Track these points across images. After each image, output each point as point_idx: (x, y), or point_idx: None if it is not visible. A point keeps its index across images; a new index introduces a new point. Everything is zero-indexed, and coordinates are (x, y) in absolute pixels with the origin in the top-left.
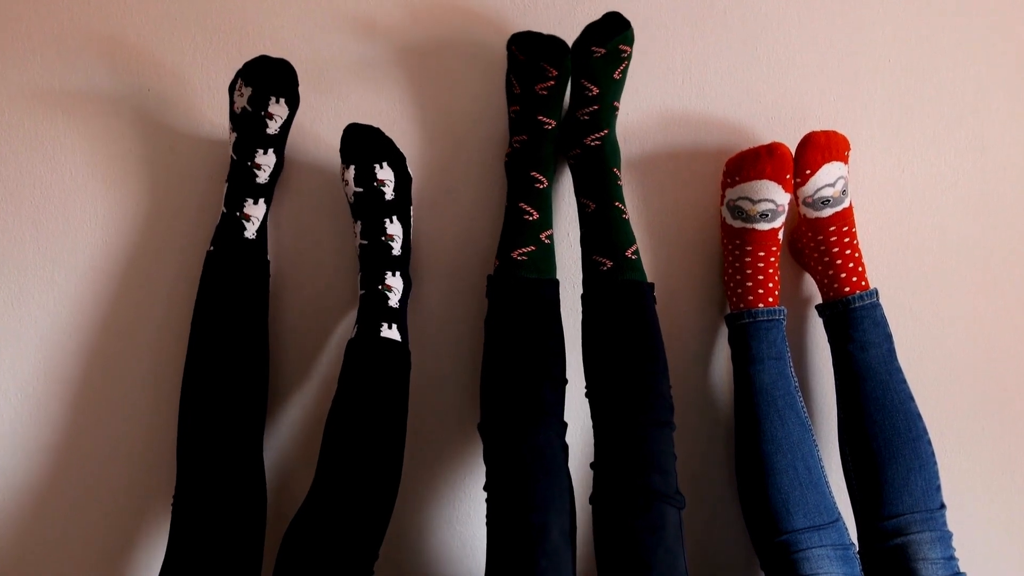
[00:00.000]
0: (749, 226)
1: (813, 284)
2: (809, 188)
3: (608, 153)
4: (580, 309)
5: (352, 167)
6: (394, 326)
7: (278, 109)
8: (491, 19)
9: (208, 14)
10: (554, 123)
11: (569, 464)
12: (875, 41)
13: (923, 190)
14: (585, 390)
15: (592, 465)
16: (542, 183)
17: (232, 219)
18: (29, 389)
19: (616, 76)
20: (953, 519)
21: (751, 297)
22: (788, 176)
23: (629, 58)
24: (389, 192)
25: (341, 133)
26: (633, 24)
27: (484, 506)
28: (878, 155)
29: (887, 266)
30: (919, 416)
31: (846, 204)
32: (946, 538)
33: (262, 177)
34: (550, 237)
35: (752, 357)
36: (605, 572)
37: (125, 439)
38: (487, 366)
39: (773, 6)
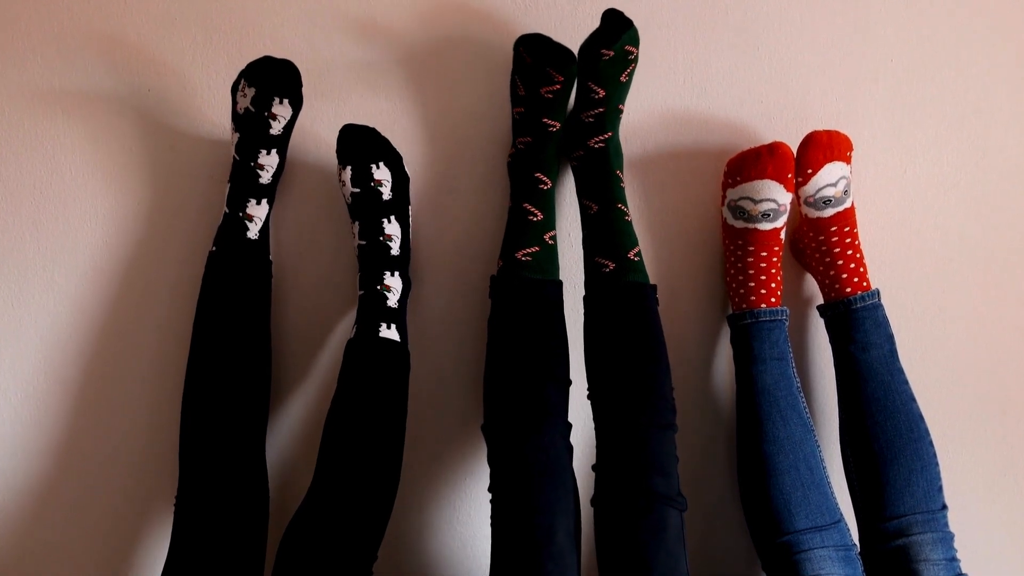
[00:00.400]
0: (751, 226)
1: (814, 284)
2: (811, 187)
3: (611, 155)
4: (582, 310)
5: (348, 168)
6: (393, 326)
7: (282, 110)
8: (492, 19)
9: (209, 14)
10: (558, 125)
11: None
12: (877, 41)
13: (925, 191)
14: (587, 392)
15: (594, 467)
16: (546, 184)
17: (235, 219)
18: (30, 389)
19: (623, 79)
20: (955, 520)
21: (753, 297)
22: (790, 175)
23: (636, 60)
24: (386, 192)
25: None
26: (635, 23)
27: (486, 507)
28: (880, 155)
29: (889, 267)
30: (921, 417)
31: (848, 204)
32: (948, 539)
33: (265, 177)
34: (554, 238)
35: (754, 357)
36: (607, 574)
37: (127, 440)
38: (490, 367)
39: (775, 6)
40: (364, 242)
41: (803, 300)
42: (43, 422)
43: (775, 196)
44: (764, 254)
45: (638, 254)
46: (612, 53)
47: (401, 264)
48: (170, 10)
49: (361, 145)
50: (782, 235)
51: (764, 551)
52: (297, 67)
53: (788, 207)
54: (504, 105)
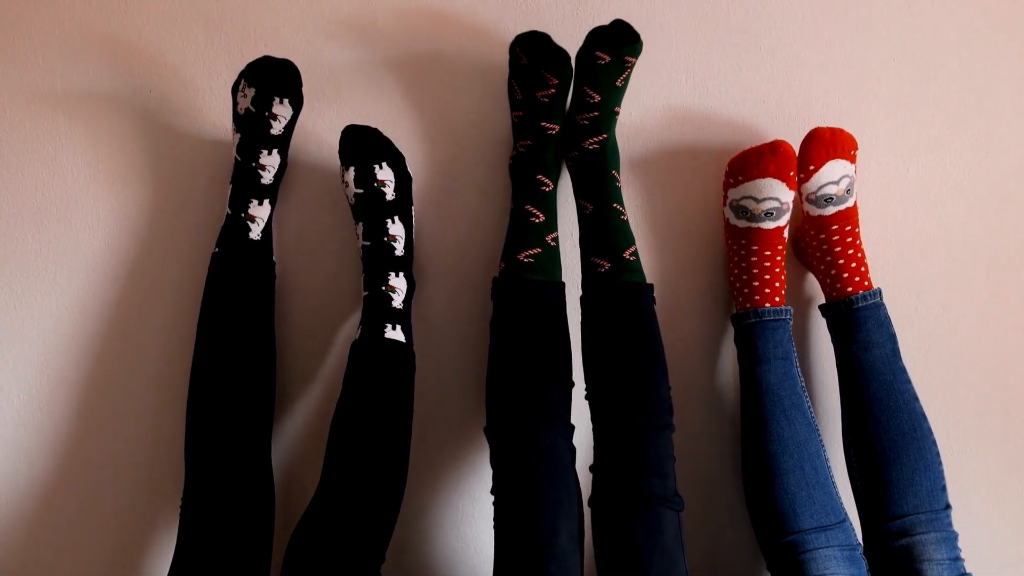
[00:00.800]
0: (754, 225)
1: (816, 284)
2: (812, 184)
3: (607, 156)
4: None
5: (352, 168)
6: (398, 327)
7: (282, 110)
8: (493, 20)
9: (210, 14)
10: (557, 128)
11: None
12: (880, 40)
13: (928, 190)
14: (585, 392)
15: (591, 468)
16: (548, 186)
17: (237, 220)
18: (33, 392)
19: (618, 84)
20: (959, 520)
21: (757, 297)
22: (792, 173)
23: (633, 66)
24: (390, 192)
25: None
26: (637, 23)
27: (490, 508)
28: (882, 155)
29: (892, 265)
30: (924, 416)
31: (850, 203)
32: (952, 538)
33: (266, 178)
34: (556, 239)
35: (758, 357)
36: (604, 574)
37: (131, 441)
38: (493, 368)
39: (777, 5)
40: (368, 243)
41: (805, 300)
42: (47, 424)
43: (778, 194)
44: (768, 253)
45: (634, 253)
46: (608, 58)
47: (405, 265)
48: (171, 11)
49: (364, 146)
50: (785, 234)
51: (769, 551)
52: (296, 66)
53: (791, 205)
54: (505, 105)
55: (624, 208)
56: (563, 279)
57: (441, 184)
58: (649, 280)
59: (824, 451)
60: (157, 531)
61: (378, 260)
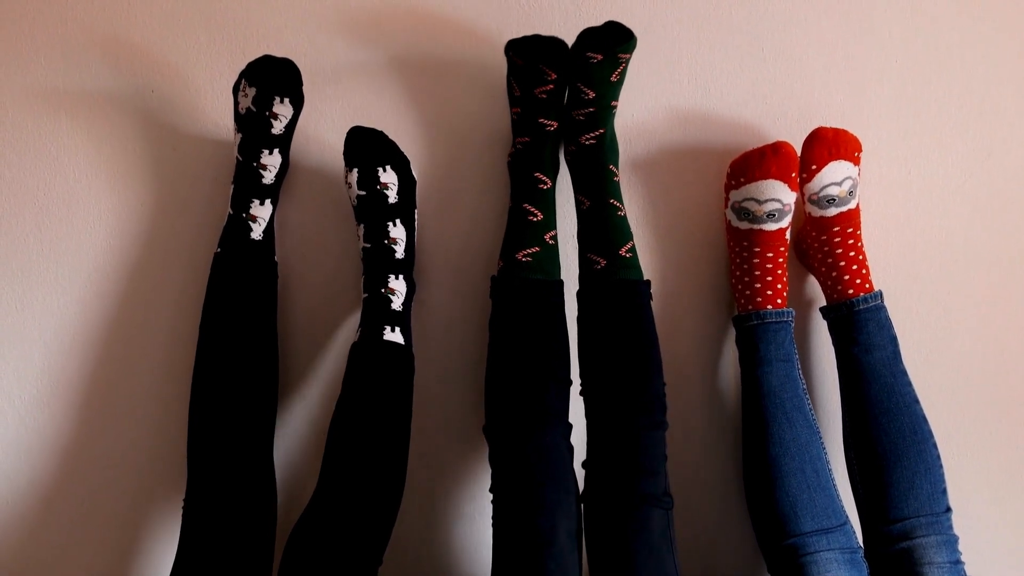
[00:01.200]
0: (756, 227)
1: (817, 286)
2: (814, 185)
3: (604, 150)
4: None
5: (355, 170)
6: (397, 329)
7: (283, 109)
8: (494, 20)
9: (212, 15)
10: (555, 125)
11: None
12: (882, 42)
13: (929, 192)
14: (580, 389)
15: (584, 464)
16: (546, 184)
17: (239, 220)
18: (35, 392)
19: (613, 79)
20: (959, 523)
21: (759, 299)
22: (794, 174)
23: (628, 62)
24: (392, 195)
25: (345, 135)
26: (638, 24)
27: (489, 508)
28: (884, 156)
29: (894, 268)
30: (924, 419)
31: (852, 205)
32: (952, 542)
33: (268, 178)
34: (554, 238)
35: (760, 359)
36: (595, 571)
37: (133, 442)
38: (491, 368)
39: (780, 6)
40: (369, 245)
41: (806, 302)
42: (48, 425)
43: (779, 196)
44: (770, 255)
45: (631, 250)
46: (601, 56)
47: (405, 267)
48: (173, 11)
49: (368, 148)
50: (787, 235)
51: (770, 553)
52: (297, 66)
53: (793, 207)
54: (505, 104)
55: (622, 204)
56: (563, 276)
57: (442, 183)
58: (650, 281)
59: (825, 454)
60: (159, 532)
61: (378, 262)
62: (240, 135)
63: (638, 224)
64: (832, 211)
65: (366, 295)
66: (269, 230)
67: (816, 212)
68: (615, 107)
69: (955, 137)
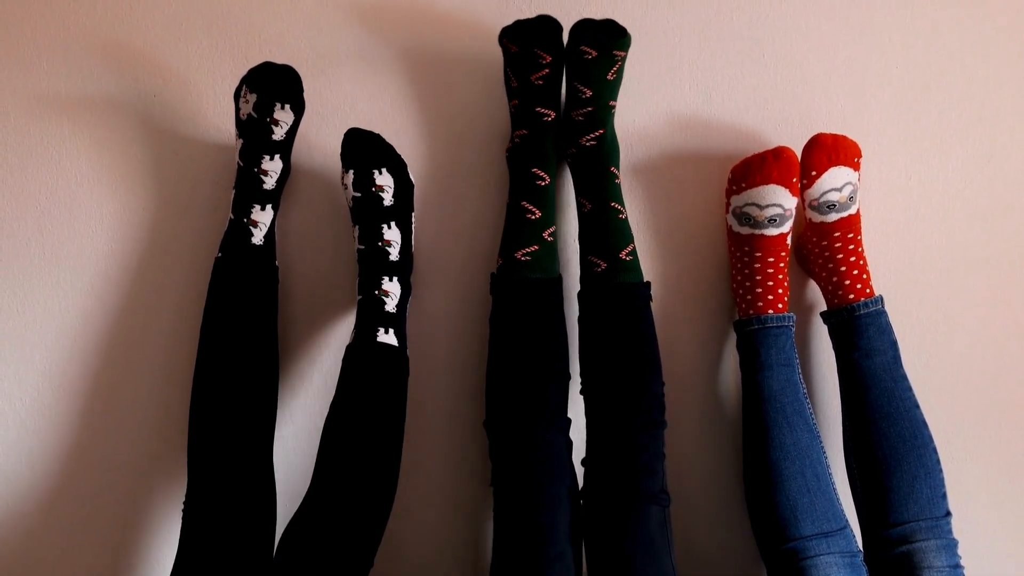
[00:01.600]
0: (757, 232)
1: (818, 291)
2: (815, 191)
3: (605, 152)
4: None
5: (351, 171)
6: (391, 331)
7: (283, 115)
8: (495, 21)
9: (213, 20)
10: (553, 115)
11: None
12: (883, 48)
13: (930, 197)
14: (580, 387)
15: (583, 461)
16: (544, 180)
17: (240, 225)
18: (36, 395)
19: (610, 77)
20: (959, 527)
21: (760, 303)
22: (794, 179)
23: (624, 60)
24: (388, 198)
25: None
26: (639, 29)
27: (488, 506)
28: (885, 162)
29: (894, 273)
30: (924, 424)
31: (853, 211)
32: (952, 546)
33: (269, 183)
34: (553, 234)
35: (761, 364)
36: (592, 567)
37: (134, 445)
38: (492, 364)
39: (780, 12)
40: (363, 246)
41: (807, 307)
42: (49, 428)
43: (781, 201)
44: (771, 260)
45: (631, 252)
46: (595, 53)
47: (400, 270)
48: (175, 17)
49: (365, 150)
50: (788, 240)
51: (770, 557)
52: (298, 72)
53: (794, 212)
54: (505, 102)
55: (623, 206)
56: (561, 270)
57: (443, 183)
58: (650, 282)
59: (825, 458)
60: (159, 534)
61: (372, 264)
62: (241, 141)
63: (639, 228)
64: (833, 216)
65: (360, 297)
66: (270, 235)
67: (817, 218)
68: (614, 107)
69: (955, 142)
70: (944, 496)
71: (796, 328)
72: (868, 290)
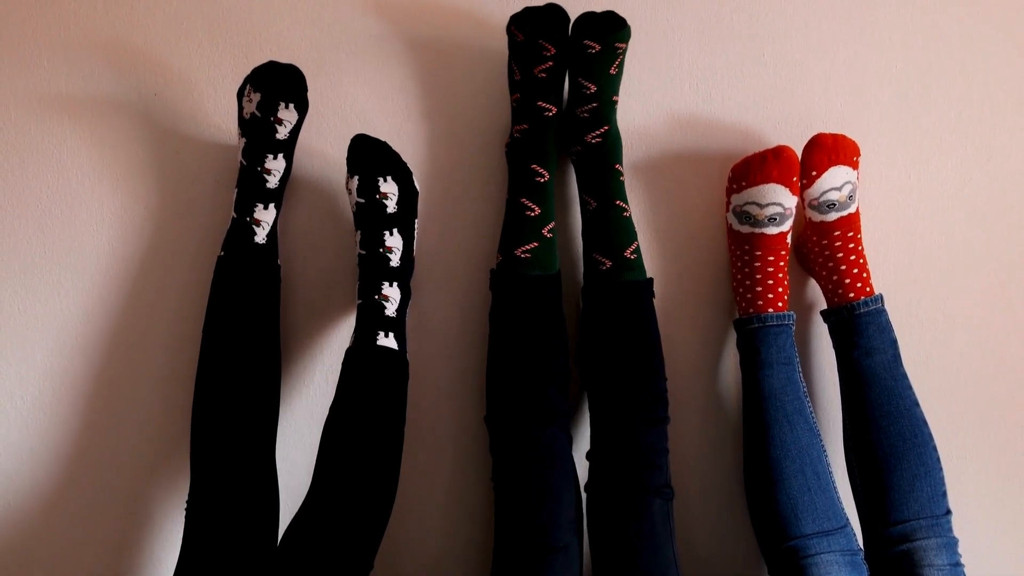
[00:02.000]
0: (757, 231)
1: (818, 290)
2: (815, 190)
3: (609, 149)
4: (579, 298)
5: (356, 177)
6: (391, 335)
7: (287, 114)
8: (498, 21)
9: (214, 19)
10: (555, 110)
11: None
12: (883, 47)
13: (929, 196)
14: (581, 382)
15: (588, 456)
16: (543, 177)
17: (242, 224)
18: (37, 394)
19: (612, 71)
20: (959, 525)
21: (760, 302)
22: (795, 179)
23: (624, 52)
24: (391, 206)
25: (349, 141)
26: (639, 28)
27: (488, 505)
28: (885, 161)
29: (894, 271)
30: (924, 422)
31: (852, 209)
32: (952, 544)
33: (272, 182)
34: (552, 231)
35: (761, 362)
36: (596, 559)
37: (136, 444)
38: (492, 360)
39: (780, 12)
40: (364, 252)
41: (807, 305)
42: (51, 427)
43: (781, 200)
44: (771, 258)
45: (635, 251)
46: (598, 46)
47: (400, 275)
48: (177, 16)
49: (371, 157)
50: (788, 239)
51: (770, 555)
52: (302, 72)
53: (794, 211)
54: (507, 101)
55: (627, 204)
56: (561, 265)
57: (443, 183)
58: (652, 279)
59: (826, 456)
60: (162, 534)
61: (373, 269)
62: (244, 140)
63: (640, 227)
64: (832, 215)
65: (360, 301)
66: (272, 234)
67: (816, 217)
68: (616, 102)
69: (955, 141)
70: (944, 494)
71: (796, 327)
72: (868, 289)
